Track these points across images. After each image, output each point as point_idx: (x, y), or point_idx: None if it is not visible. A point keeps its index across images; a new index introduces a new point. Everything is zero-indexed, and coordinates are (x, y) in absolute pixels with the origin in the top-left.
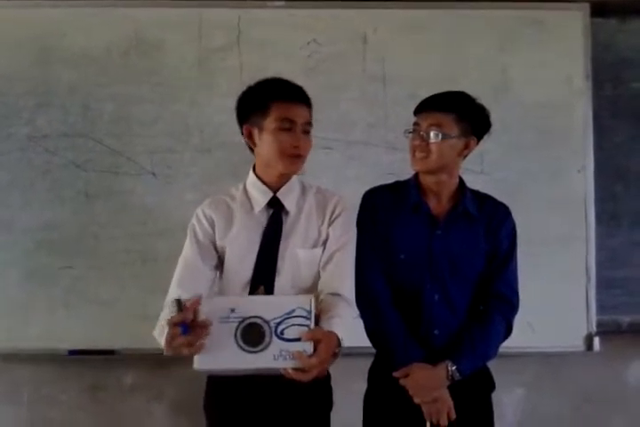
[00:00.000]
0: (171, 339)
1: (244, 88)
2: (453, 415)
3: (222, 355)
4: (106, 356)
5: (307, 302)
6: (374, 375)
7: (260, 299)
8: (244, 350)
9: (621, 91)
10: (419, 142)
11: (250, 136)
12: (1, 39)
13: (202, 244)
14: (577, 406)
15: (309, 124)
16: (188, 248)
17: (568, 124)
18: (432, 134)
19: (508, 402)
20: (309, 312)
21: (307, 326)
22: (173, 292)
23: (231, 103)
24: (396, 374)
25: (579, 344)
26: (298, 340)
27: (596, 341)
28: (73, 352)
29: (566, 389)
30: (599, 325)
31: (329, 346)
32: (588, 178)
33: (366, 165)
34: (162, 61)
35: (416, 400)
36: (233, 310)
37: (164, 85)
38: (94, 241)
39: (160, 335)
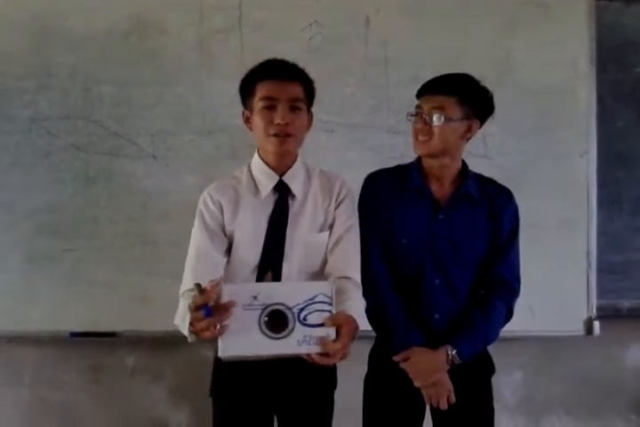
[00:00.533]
0: (194, 322)
1: (245, 71)
2: (453, 399)
3: (246, 342)
4: (107, 338)
5: (328, 287)
6: (375, 359)
7: (282, 286)
8: (268, 336)
9: (625, 75)
10: (421, 126)
11: (247, 120)
12: (1, 20)
13: (211, 230)
14: (575, 390)
15: (298, 100)
16: (197, 235)
17: (571, 108)
18: (434, 117)
19: (506, 385)
20: (331, 298)
21: (329, 311)
22: (188, 282)
23: (232, 85)
24: (396, 358)
25: (578, 328)
26: (320, 325)
27: (596, 325)
28: (74, 334)
29: (565, 372)
30: (599, 309)
31: (350, 330)
32: (591, 162)
33: (368, 148)
34: (163, 43)
35: (416, 384)
36: (255, 297)
37: (164, 68)
38: (95, 224)
39: (182, 324)
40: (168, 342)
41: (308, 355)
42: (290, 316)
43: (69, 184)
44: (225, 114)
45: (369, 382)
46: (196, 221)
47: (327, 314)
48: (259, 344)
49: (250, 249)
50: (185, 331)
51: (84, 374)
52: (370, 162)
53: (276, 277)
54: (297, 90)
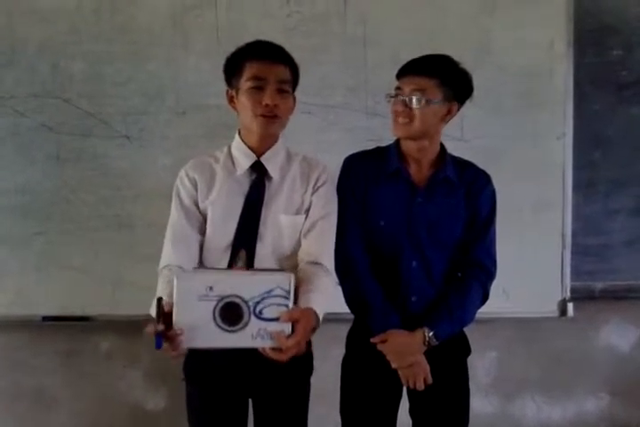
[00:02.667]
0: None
1: (221, 48)
2: (430, 380)
3: (200, 334)
4: (80, 322)
5: (286, 281)
6: (352, 341)
7: (239, 277)
8: (222, 329)
9: (603, 58)
10: (402, 108)
11: (232, 100)
12: None
13: (187, 208)
14: (549, 370)
15: (286, 82)
16: (174, 213)
17: (549, 91)
18: (415, 100)
19: (481, 366)
20: (288, 292)
21: (285, 305)
22: (166, 259)
23: (207, 63)
24: (373, 340)
25: (553, 310)
26: (276, 319)
27: (570, 306)
28: (47, 318)
29: (539, 353)
30: (573, 291)
31: (307, 325)
32: (567, 145)
33: (346, 129)
34: (135, 18)
35: (393, 366)
36: (211, 288)
37: (137, 44)
38: (67, 206)
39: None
40: (143, 326)
41: (263, 349)
42: (245, 309)
43: (39, 165)
44: (200, 93)
45: (346, 364)
46: (173, 200)
47: (284, 309)
48: (213, 336)
49: (223, 228)
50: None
51: (57, 359)
52: (347, 144)
53: (250, 258)
54: (285, 72)
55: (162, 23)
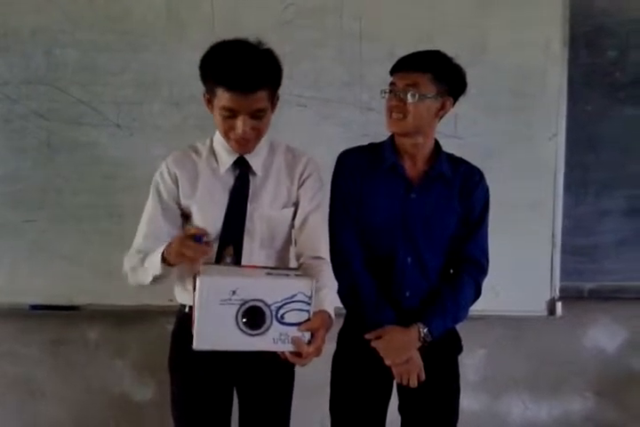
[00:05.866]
0: (180, 245)
1: (216, 40)
2: (423, 377)
3: (222, 336)
4: (69, 311)
5: (308, 286)
6: (344, 337)
7: (262, 282)
8: (244, 332)
9: (597, 59)
10: (395, 103)
11: (209, 102)
12: None
13: (166, 203)
14: (536, 369)
15: (262, 110)
16: (150, 205)
17: (542, 91)
18: (409, 94)
19: (469, 364)
20: (310, 298)
21: (307, 311)
22: (138, 244)
23: (201, 55)
24: (368, 336)
25: (541, 309)
26: (297, 324)
27: (559, 306)
28: (35, 307)
29: (527, 352)
30: (562, 290)
31: (325, 331)
32: (559, 145)
33: (340, 124)
34: (129, 8)
35: (387, 362)
36: (234, 292)
37: (131, 33)
38: (58, 194)
39: (143, 265)
40: (132, 316)
41: (282, 352)
42: (267, 313)
43: (30, 153)
44: (194, 84)
45: (337, 360)
46: (151, 192)
47: (305, 314)
48: (234, 339)
49: (210, 224)
50: (153, 264)
51: (46, 348)
52: (341, 138)
53: (237, 253)
54: (260, 100)
55: (157, 13)
